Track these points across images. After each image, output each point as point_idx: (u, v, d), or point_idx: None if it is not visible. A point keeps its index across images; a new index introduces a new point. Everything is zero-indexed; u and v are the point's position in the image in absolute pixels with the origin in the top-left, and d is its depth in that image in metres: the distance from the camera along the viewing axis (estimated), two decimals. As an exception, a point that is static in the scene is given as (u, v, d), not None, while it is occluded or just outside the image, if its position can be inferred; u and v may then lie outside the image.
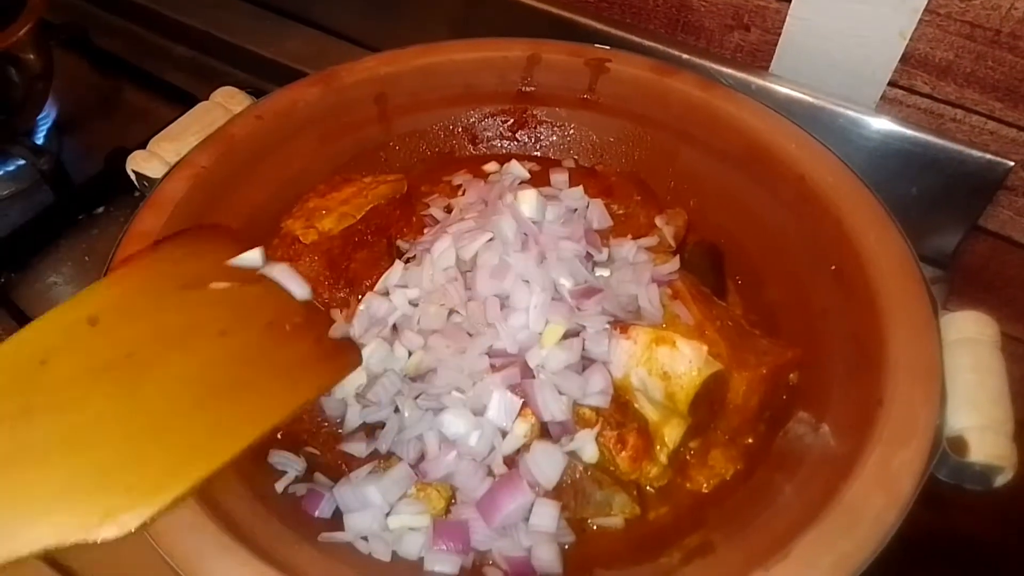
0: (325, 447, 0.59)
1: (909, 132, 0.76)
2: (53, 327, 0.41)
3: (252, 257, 0.53)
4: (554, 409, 0.57)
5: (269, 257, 0.69)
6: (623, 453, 0.57)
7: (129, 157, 0.70)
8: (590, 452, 0.57)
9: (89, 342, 0.41)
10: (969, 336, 0.56)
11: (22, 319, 0.80)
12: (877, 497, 0.48)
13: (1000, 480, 0.52)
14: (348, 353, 0.54)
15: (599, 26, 0.87)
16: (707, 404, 0.60)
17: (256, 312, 0.48)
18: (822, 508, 0.49)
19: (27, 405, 0.37)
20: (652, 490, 0.60)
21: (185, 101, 0.79)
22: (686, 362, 0.58)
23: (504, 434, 0.57)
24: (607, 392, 0.59)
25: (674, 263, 0.67)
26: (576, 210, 0.70)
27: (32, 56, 0.90)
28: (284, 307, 0.51)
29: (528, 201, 0.66)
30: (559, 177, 0.75)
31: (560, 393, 0.58)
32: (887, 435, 0.51)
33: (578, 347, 0.60)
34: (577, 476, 0.57)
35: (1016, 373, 0.56)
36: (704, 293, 0.66)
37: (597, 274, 0.67)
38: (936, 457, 0.51)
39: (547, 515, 0.55)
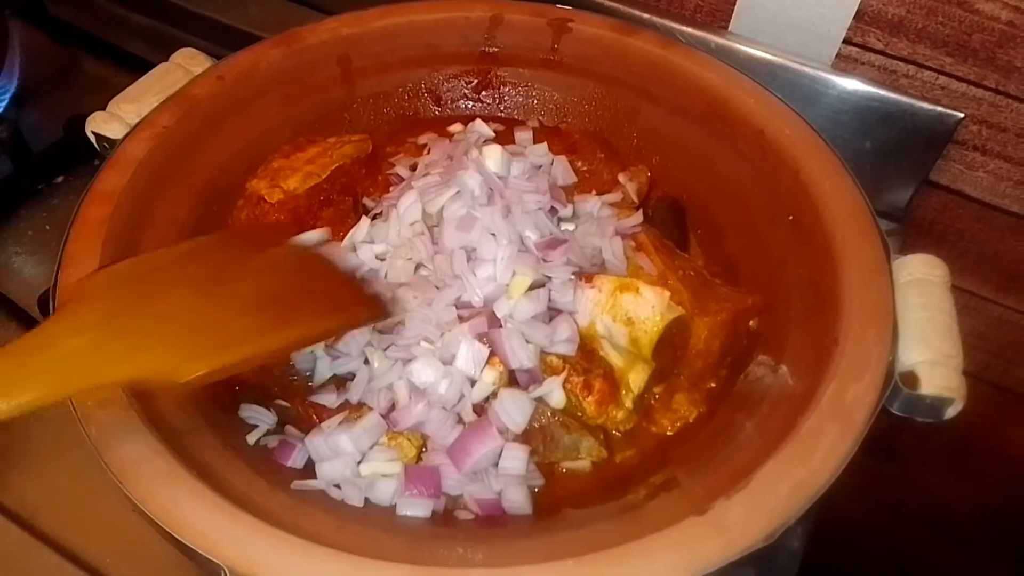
0: (295, 399, 0.60)
1: (863, 88, 0.78)
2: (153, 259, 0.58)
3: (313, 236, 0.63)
4: (522, 357, 0.58)
5: (234, 217, 0.70)
6: (589, 398, 0.58)
7: (89, 118, 0.69)
8: (557, 397, 0.59)
9: (175, 267, 0.56)
10: (919, 277, 0.58)
11: (-16, 290, 0.79)
12: (832, 428, 0.50)
13: (950, 412, 0.54)
14: (376, 304, 0.59)
15: (561, -13, 0.87)
16: (670, 349, 0.61)
17: (298, 264, 0.59)
18: (780, 441, 0.50)
19: (137, 295, 0.51)
20: (618, 434, 0.61)
21: (144, 69, 0.78)
22: (649, 307, 0.60)
23: (473, 382, 0.58)
24: (573, 340, 0.60)
25: (637, 216, 0.68)
26: (541, 166, 0.71)
27: (-15, 26, 0.88)
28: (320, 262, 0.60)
29: (493, 156, 0.66)
30: (523, 135, 0.75)
31: (527, 342, 0.59)
32: (842, 371, 0.53)
33: (544, 297, 0.61)
34: (545, 421, 0.59)
35: (969, 325, 0.58)
36: (667, 245, 0.68)
37: (562, 228, 0.68)
38: (888, 390, 0.53)
39: (516, 458, 0.56)
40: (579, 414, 0.60)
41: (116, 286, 0.52)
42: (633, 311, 0.60)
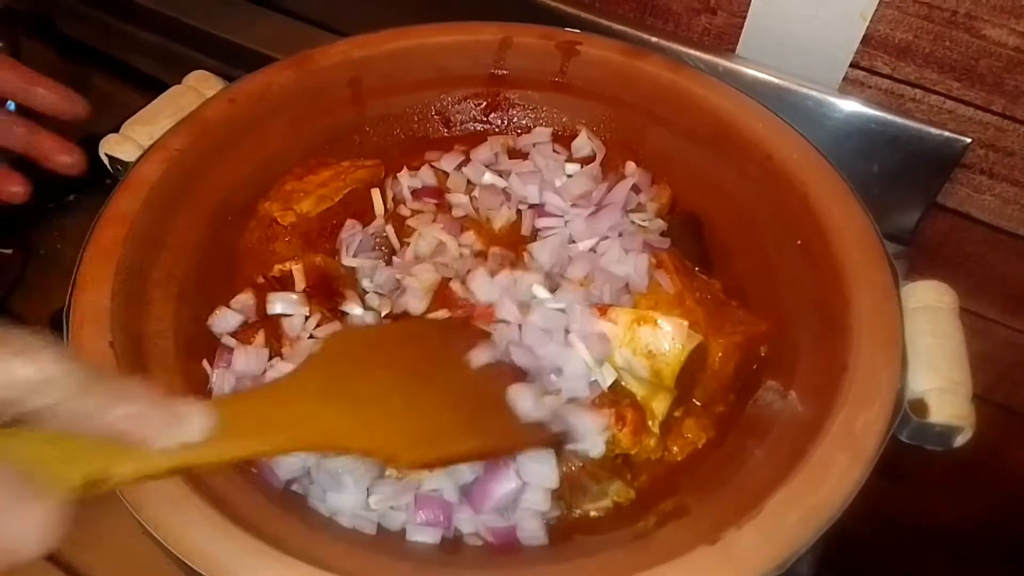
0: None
1: (871, 112, 0.79)
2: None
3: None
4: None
5: (246, 239, 0.71)
6: (624, 429, 0.58)
7: (102, 141, 0.70)
8: (598, 449, 0.58)
9: (386, 350, 0.58)
10: (928, 304, 0.58)
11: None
12: (842, 456, 0.50)
13: (960, 440, 0.54)
14: (545, 434, 0.57)
15: (569, 10, 0.88)
16: (689, 374, 0.61)
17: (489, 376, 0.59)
18: (790, 469, 0.50)
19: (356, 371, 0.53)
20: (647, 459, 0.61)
21: (154, 87, 0.79)
22: (669, 339, 0.60)
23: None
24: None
25: (665, 240, 0.70)
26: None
27: (-1, 44, 0.89)
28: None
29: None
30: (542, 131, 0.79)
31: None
32: (851, 399, 0.53)
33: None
34: (573, 470, 0.58)
35: (975, 347, 0.58)
36: (687, 267, 0.68)
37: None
38: (898, 419, 0.53)
39: (538, 492, 0.56)
40: (612, 448, 0.59)
41: (339, 359, 0.53)
42: (654, 344, 0.60)
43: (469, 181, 0.76)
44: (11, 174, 0.69)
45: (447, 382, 0.56)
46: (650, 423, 0.59)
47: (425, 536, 0.55)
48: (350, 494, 0.56)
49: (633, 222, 0.71)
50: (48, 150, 0.70)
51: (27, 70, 0.71)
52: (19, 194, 0.68)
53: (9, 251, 0.85)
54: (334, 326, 0.63)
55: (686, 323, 0.60)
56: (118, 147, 0.69)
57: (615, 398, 0.59)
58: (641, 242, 0.67)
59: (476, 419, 0.55)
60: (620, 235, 0.69)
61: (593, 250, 0.68)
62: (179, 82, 0.76)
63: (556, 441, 0.57)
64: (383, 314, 0.66)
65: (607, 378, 0.60)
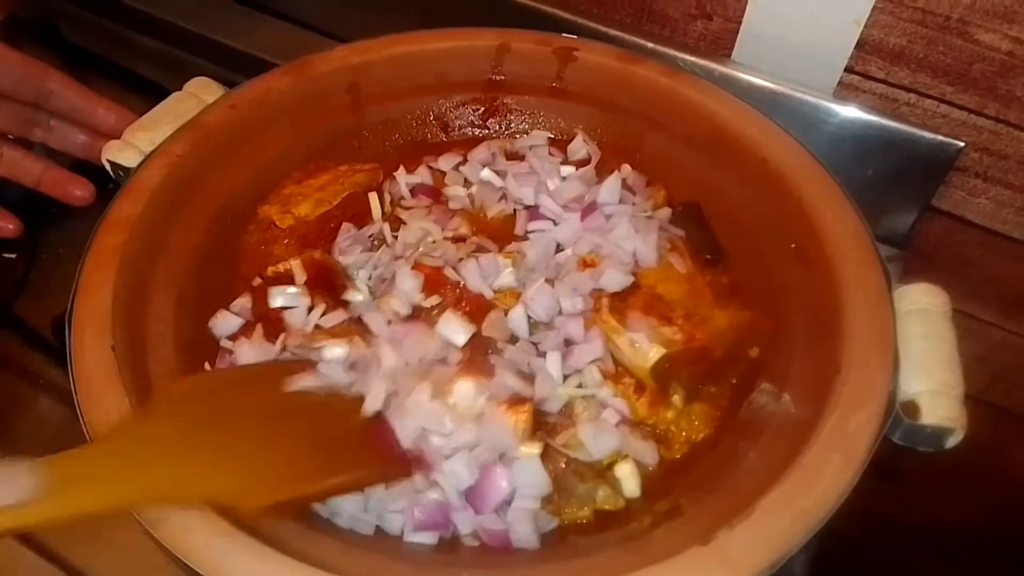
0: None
1: (865, 116, 0.79)
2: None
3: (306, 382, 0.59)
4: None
5: (245, 242, 0.72)
6: (642, 399, 0.60)
7: (104, 147, 0.71)
8: (631, 487, 0.59)
9: (240, 394, 0.57)
10: (921, 306, 0.59)
11: (-3, 311, 0.80)
12: (835, 457, 0.51)
13: (951, 441, 0.55)
14: (405, 463, 0.56)
15: (566, 15, 0.88)
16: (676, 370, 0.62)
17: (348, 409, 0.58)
18: (783, 470, 0.51)
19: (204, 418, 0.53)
20: (674, 430, 0.62)
21: (156, 93, 0.80)
22: (634, 349, 0.61)
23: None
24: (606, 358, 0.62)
25: (679, 230, 0.71)
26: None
27: (3, 50, 0.90)
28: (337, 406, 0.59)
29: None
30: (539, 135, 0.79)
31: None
32: (844, 400, 0.54)
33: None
34: (560, 469, 0.59)
35: (970, 349, 0.58)
36: (700, 258, 0.70)
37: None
38: (890, 420, 0.54)
39: (528, 496, 0.56)
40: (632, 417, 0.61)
41: (184, 406, 0.53)
42: (628, 356, 0.61)
43: (466, 180, 0.77)
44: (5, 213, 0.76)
45: (307, 423, 0.56)
46: (673, 397, 0.61)
47: (423, 538, 0.55)
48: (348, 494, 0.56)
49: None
50: (62, 184, 0.75)
51: (91, 92, 0.76)
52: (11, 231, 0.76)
53: (12, 256, 0.86)
54: (339, 314, 0.64)
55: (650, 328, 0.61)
56: (120, 153, 0.70)
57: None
58: (657, 225, 0.69)
59: (341, 456, 0.55)
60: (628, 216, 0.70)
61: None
62: (180, 88, 0.77)
63: (409, 472, 0.56)
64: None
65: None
